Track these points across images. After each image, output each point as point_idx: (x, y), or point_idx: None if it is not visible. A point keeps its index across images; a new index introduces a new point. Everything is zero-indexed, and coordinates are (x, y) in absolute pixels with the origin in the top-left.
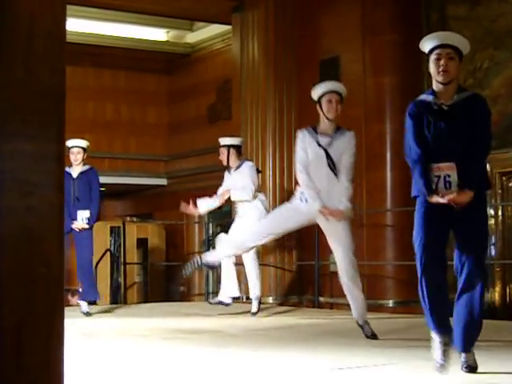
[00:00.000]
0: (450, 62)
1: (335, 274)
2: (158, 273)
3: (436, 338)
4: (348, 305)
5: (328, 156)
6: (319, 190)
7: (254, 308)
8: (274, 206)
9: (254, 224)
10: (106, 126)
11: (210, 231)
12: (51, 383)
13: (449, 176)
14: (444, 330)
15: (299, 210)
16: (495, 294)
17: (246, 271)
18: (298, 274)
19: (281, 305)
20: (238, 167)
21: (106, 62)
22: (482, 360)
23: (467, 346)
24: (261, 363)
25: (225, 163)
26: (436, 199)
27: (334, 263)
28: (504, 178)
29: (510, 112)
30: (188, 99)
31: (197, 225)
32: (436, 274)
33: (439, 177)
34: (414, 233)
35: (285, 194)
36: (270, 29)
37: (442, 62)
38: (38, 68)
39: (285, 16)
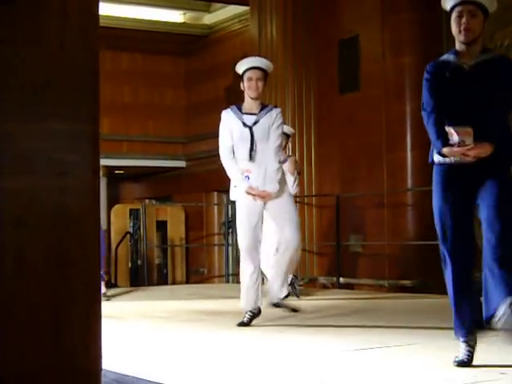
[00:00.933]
0: (473, 20)
1: (356, 254)
2: (178, 255)
3: (462, 341)
4: (369, 285)
5: (252, 135)
6: (246, 169)
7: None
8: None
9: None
10: (123, 108)
11: (230, 213)
12: (90, 364)
13: (463, 142)
14: (469, 329)
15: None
16: None
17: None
18: (319, 254)
19: (303, 285)
20: (284, 161)
21: (123, 45)
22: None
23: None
24: (286, 345)
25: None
26: (449, 150)
27: (355, 244)
28: None
29: None
30: (205, 81)
31: (216, 207)
32: (464, 255)
33: (453, 142)
34: (434, 205)
35: (304, 178)
36: (288, 9)
37: (463, 19)
38: (72, 44)
39: None
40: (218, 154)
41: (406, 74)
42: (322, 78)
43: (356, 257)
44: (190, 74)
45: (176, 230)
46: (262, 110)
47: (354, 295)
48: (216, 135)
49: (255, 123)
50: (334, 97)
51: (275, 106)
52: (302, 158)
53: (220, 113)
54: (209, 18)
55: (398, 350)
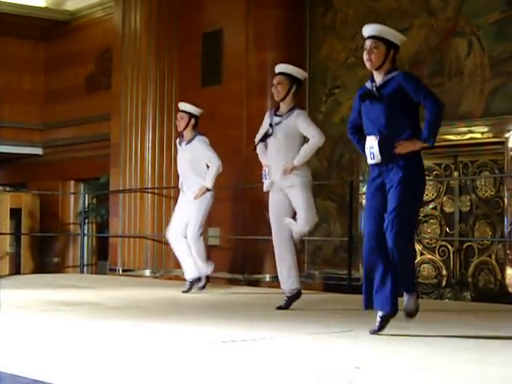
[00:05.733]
0: (374, 52)
1: (214, 247)
2: (32, 244)
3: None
4: (225, 279)
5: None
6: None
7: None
8: (154, 178)
9: (201, 210)
10: None
11: (86, 202)
12: None
13: (372, 147)
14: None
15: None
16: None
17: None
18: None
19: (158, 277)
20: (190, 141)
21: None
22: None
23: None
24: (141, 336)
25: (180, 129)
26: None
27: (213, 237)
28: None
29: None
30: (66, 68)
31: (72, 196)
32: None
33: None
34: None
35: (163, 167)
36: None
37: (365, 52)
38: None
39: None
40: (77, 143)
41: (268, 70)
42: (184, 70)
43: (213, 250)
44: (50, 59)
45: (30, 219)
46: (287, 112)
47: (212, 288)
48: (74, 123)
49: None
50: (196, 89)
51: (301, 108)
52: (162, 149)
53: (79, 101)
54: (71, 4)
55: (261, 342)
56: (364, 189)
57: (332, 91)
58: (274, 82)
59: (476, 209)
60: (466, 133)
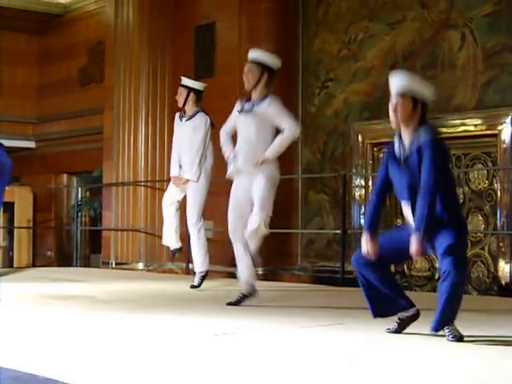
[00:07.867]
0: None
1: (207, 240)
2: (25, 237)
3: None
4: (219, 272)
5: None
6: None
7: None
8: (147, 172)
9: (199, 193)
10: None
11: (79, 196)
12: None
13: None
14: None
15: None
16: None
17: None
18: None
19: (151, 271)
20: (192, 117)
21: None
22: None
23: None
24: (134, 328)
25: (180, 105)
26: None
27: (206, 230)
28: (375, 149)
29: (383, 84)
30: (59, 61)
31: (65, 189)
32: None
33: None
34: None
35: (156, 160)
36: None
37: (390, 109)
38: None
39: None
40: (70, 136)
41: None
42: (177, 63)
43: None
44: (44, 53)
45: (23, 212)
46: (258, 99)
47: (207, 282)
48: (67, 117)
49: (249, 111)
50: None
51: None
52: (154, 142)
53: (72, 95)
54: None
55: (258, 335)
56: (357, 181)
57: (325, 84)
58: (245, 69)
59: (469, 201)
60: (458, 125)
